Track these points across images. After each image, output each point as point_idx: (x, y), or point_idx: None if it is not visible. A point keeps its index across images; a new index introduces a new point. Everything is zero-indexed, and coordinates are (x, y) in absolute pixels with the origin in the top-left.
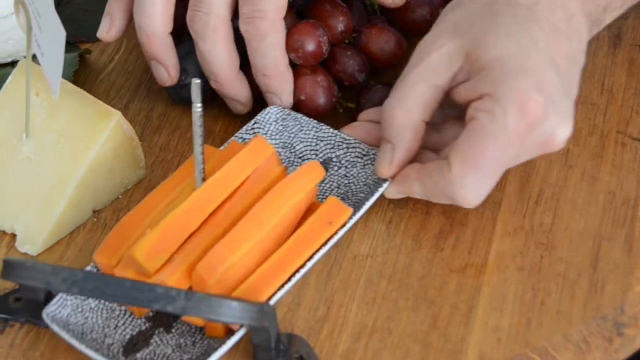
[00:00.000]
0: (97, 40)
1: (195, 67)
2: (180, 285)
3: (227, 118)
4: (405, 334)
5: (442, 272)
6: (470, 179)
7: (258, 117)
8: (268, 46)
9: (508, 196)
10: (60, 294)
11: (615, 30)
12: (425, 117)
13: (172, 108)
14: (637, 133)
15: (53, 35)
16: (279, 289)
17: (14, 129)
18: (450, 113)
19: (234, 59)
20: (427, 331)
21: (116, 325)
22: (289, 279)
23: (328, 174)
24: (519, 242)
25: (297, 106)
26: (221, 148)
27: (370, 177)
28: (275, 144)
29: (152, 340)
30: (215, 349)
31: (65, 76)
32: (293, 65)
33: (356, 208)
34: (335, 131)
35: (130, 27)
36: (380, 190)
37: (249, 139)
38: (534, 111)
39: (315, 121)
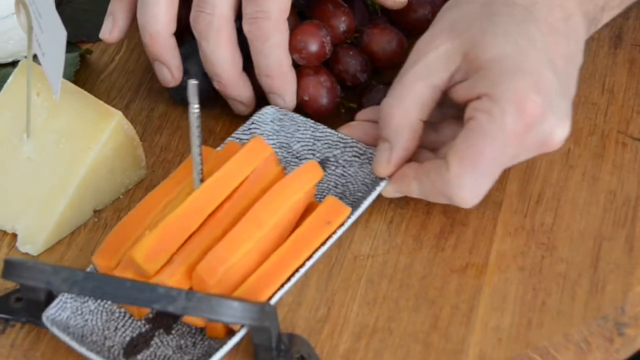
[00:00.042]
0: (98, 40)
1: (196, 68)
2: (180, 286)
3: (229, 118)
4: (406, 334)
5: (443, 272)
6: (468, 179)
7: (255, 117)
8: (271, 47)
9: (509, 196)
10: (59, 297)
11: (616, 30)
12: (423, 117)
13: (173, 108)
14: (638, 133)
15: (54, 35)
16: (279, 289)
17: (15, 129)
18: (448, 112)
19: (237, 60)
20: (427, 331)
21: (116, 328)
22: (288, 279)
23: (325, 173)
24: (519, 242)
25: (301, 106)
26: (218, 148)
27: (367, 176)
28: (273, 144)
29: (152, 342)
30: (216, 350)
31: (66, 76)
32: (296, 65)
33: (354, 207)
34: (332, 131)
35: (131, 27)
36: (378, 189)
37: (246, 139)
38: (532, 111)
39: (312, 121)
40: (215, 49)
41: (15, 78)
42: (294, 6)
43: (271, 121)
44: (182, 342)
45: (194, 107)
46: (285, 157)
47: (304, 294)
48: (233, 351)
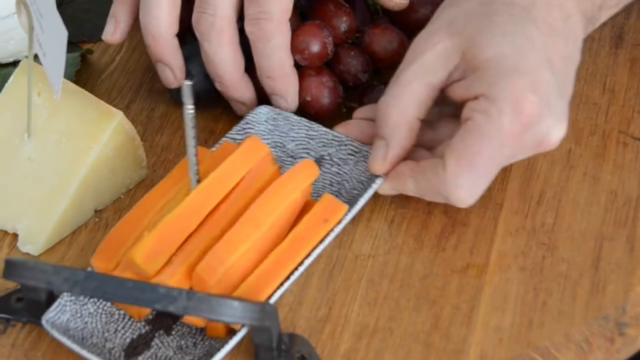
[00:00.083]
0: (99, 40)
1: (198, 69)
2: (180, 286)
3: (230, 119)
4: (407, 334)
5: (444, 272)
6: (464, 179)
7: (249, 117)
8: (273, 48)
9: (510, 196)
10: (58, 300)
11: (617, 30)
12: (420, 115)
13: (173, 108)
14: (639, 133)
15: (55, 35)
16: (278, 288)
17: (16, 129)
18: (446, 111)
19: (239, 61)
20: (428, 331)
21: (116, 330)
22: (287, 277)
23: (321, 172)
24: (520, 242)
25: (303, 107)
26: (213, 149)
27: (363, 174)
28: (267, 143)
29: (152, 343)
30: (217, 350)
31: (67, 76)
32: (297, 66)
33: (351, 205)
34: (327, 129)
35: (133, 28)
36: (374, 186)
37: (240, 139)
38: (529, 111)
39: (306, 120)
40: (217, 50)
41: (16, 78)
42: (295, 7)
43: (265, 121)
44: (182, 342)
45: (189, 108)
46: (279, 157)
47: (305, 293)
48: (234, 351)
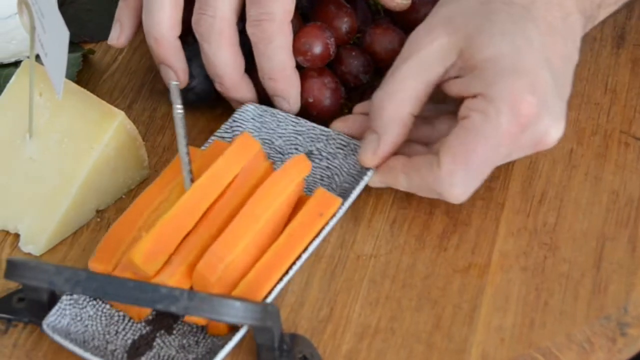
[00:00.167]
0: (101, 40)
1: (199, 70)
2: (181, 285)
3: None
4: (408, 334)
5: (446, 272)
6: (459, 177)
7: (235, 115)
8: (275, 49)
9: (511, 196)
10: (58, 304)
11: (619, 30)
12: (414, 111)
13: None
14: None
15: (56, 35)
16: (278, 282)
17: (18, 129)
18: (445, 108)
19: (239, 62)
20: (430, 331)
21: (117, 331)
22: (287, 272)
23: None
24: (522, 242)
25: (305, 108)
26: (202, 147)
27: (353, 167)
28: None
29: (154, 343)
30: (220, 347)
31: (68, 76)
32: (299, 67)
33: (344, 198)
34: (314, 124)
35: (137, 30)
36: (366, 179)
37: (228, 137)
38: (527, 112)
39: (293, 116)
40: (216, 51)
41: (17, 78)
42: (297, 8)
43: (252, 118)
44: (184, 341)
45: (177, 108)
46: (268, 154)
47: (307, 294)
48: (236, 350)
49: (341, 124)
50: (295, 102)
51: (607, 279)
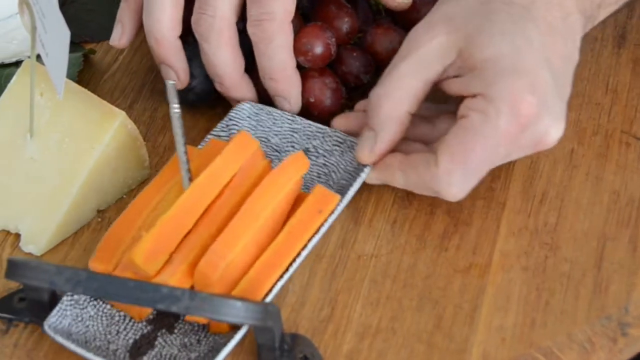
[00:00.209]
0: (102, 40)
1: (199, 70)
2: (182, 284)
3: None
4: (409, 334)
5: (447, 272)
6: (457, 176)
7: (231, 113)
8: (276, 49)
9: (512, 196)
10: (58, 305)
11: (620, 30)
12: (412, 109)
13: None
14: None
15: (57, 35)
16: (279, 279)
17: (18, 129)
18: (446, 108)
19: (238, 62)
20: (431, 331)
21: (118, 331)
22: (287, 269)
23: None
24: (523, 242)
25: (306, 108)
26: (199, 146)
27: (350, 164)
28: None
29: (156, 343)
30: (222, 345)
31: (69, 76)
32: (300, 67)
33: (341, 195)
34: (309, 121)
35: (138, 30)
36: (363, 175)
37: (224, 135)
38: (527, 112)
39: (288, 114)
40: (216, 51)
41: (18, 78)
42: (297, 8)
43: (248, 117)
44: (186, 340)
45: (174, 107)
46: (265, 152)
47: (308, 294)
48: (237, 350)
49: (342, 121)
50: (296, 102)
51: (608, 279)
